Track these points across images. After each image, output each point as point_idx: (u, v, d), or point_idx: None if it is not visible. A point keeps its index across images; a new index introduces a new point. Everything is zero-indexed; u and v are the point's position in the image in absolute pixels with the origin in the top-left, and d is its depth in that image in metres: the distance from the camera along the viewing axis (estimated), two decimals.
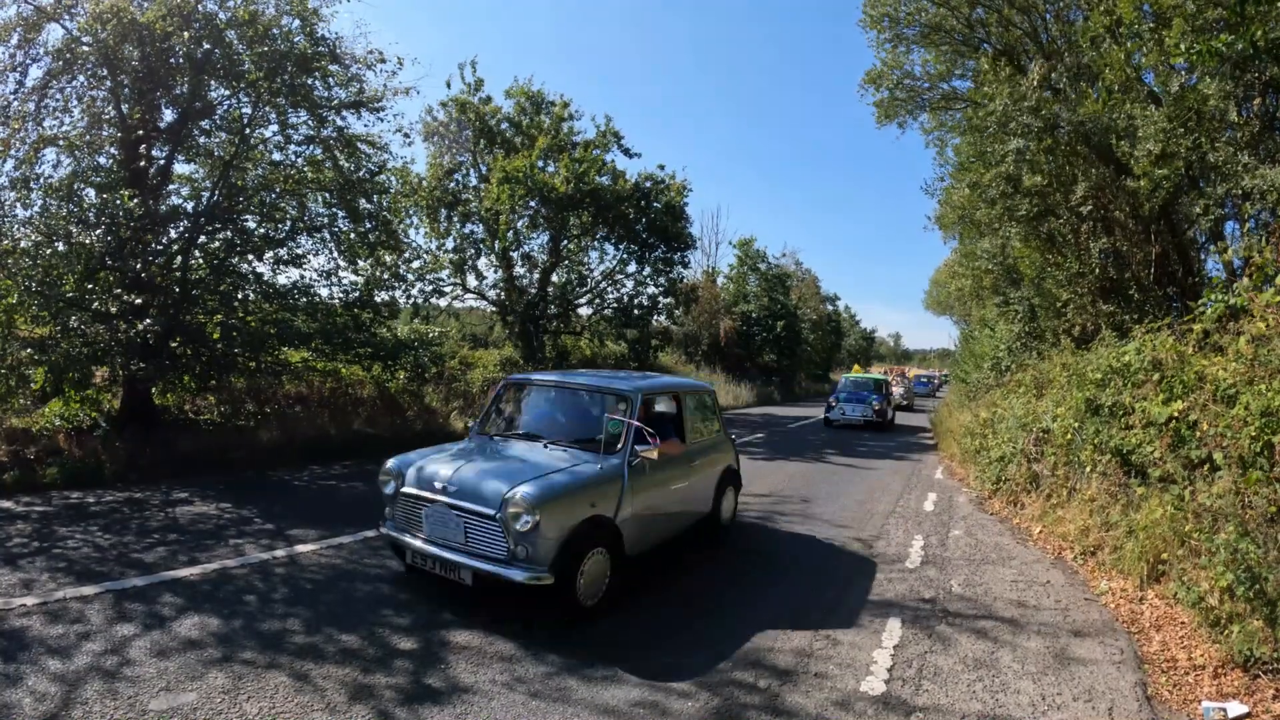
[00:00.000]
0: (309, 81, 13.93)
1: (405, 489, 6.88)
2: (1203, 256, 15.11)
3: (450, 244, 26.88)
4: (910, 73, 19.55)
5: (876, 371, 57.96)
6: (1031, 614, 7.43)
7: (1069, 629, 7.03)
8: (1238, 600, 6.08)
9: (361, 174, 15.34)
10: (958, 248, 28.03)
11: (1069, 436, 11.02)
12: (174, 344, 12.96)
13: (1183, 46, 9.09)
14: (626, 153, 27.68)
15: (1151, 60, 12.55)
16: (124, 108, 12.87)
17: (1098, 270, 14.88)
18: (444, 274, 25.71)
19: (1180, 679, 5.90)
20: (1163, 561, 7.76)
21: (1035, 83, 14.37)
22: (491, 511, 6.22)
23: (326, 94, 14.50)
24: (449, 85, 27.08)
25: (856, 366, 37.04)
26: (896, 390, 40.50)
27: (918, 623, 6.97)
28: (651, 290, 28.85)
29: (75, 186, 12.60)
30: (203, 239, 13.93)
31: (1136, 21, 12.19)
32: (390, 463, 7.20)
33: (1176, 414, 8.44)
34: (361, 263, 16.03)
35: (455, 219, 26.75)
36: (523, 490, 6.17)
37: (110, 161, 13.28)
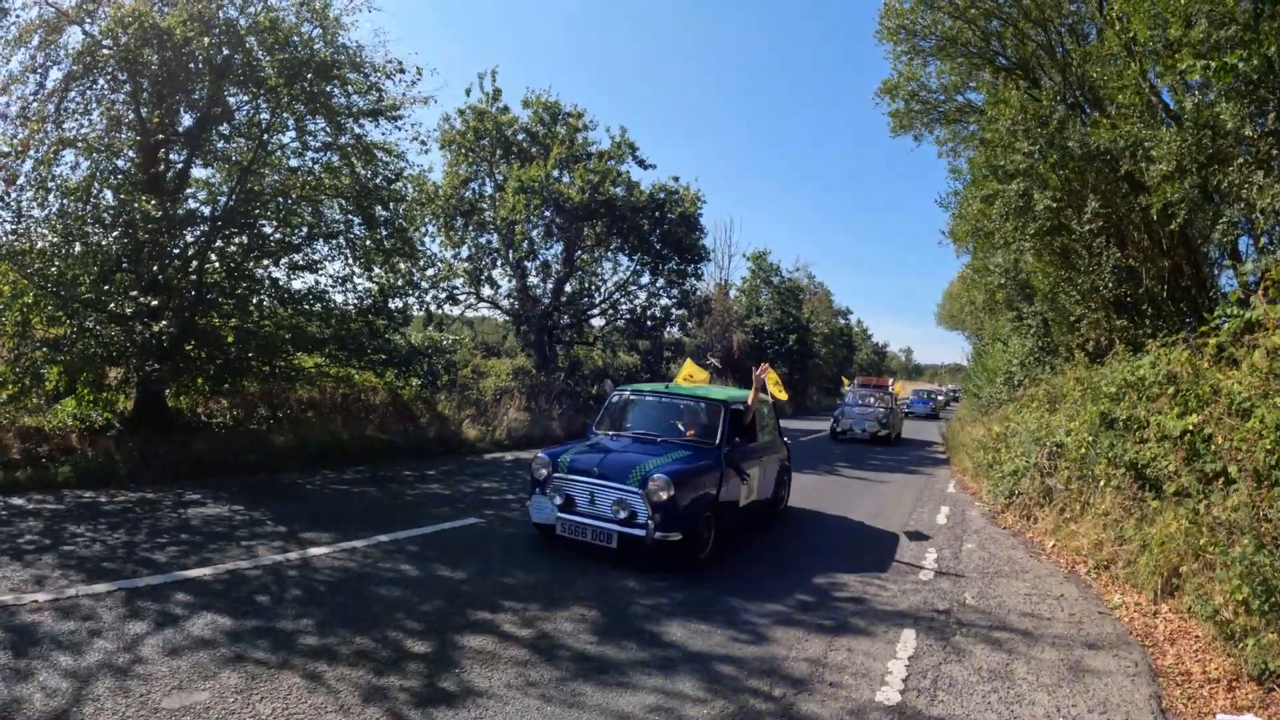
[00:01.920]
0: (328, 89, 13.99)
1: None
2: (1216, 272, 15.05)
3: (465, 252, 26.97)
4: (925, 84, 19.61)
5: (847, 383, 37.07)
6: (1045, 626, 7.40)
7: (1083, 642, 6.99)
8: (1253, 613, 6.04)
9: (378, 181, 15.38)
10: (970, 262, 27.95)
11: (1083, 450, 10.97)
12: (188, 347, 13.02)
13: (1198, 65, 9.07)
14: (641, 164, 27.70)
15: (1168, 80, 12.54)
16: (143, 111, 12.96)
17: (1111, 285, 14.84)
18: (458, 282, 25.79)
19: (1195, 692, 5.86)
20: (1177, 575, 7.72)
21: (1049, 98, 14.36)
22: None
23: (345, 101, 14.55)
24: (468, 93, 27.18)
25: (689, 368, 13.49)
26: (869, 411, 28.19)
27: (932, 634, 6.93)
28: (664, 301, 28.91)
29: (93, 188, 12.68)
30: (219, 243, 13.98)
31: (1152, 41, 12.18)
32: None
33: (1191, 427, 8.40)
34: (376, 269, 16.06)
35: (470, 228, 26.83)
36: None
37: (128, 164, 13.36)
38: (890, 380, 34.32)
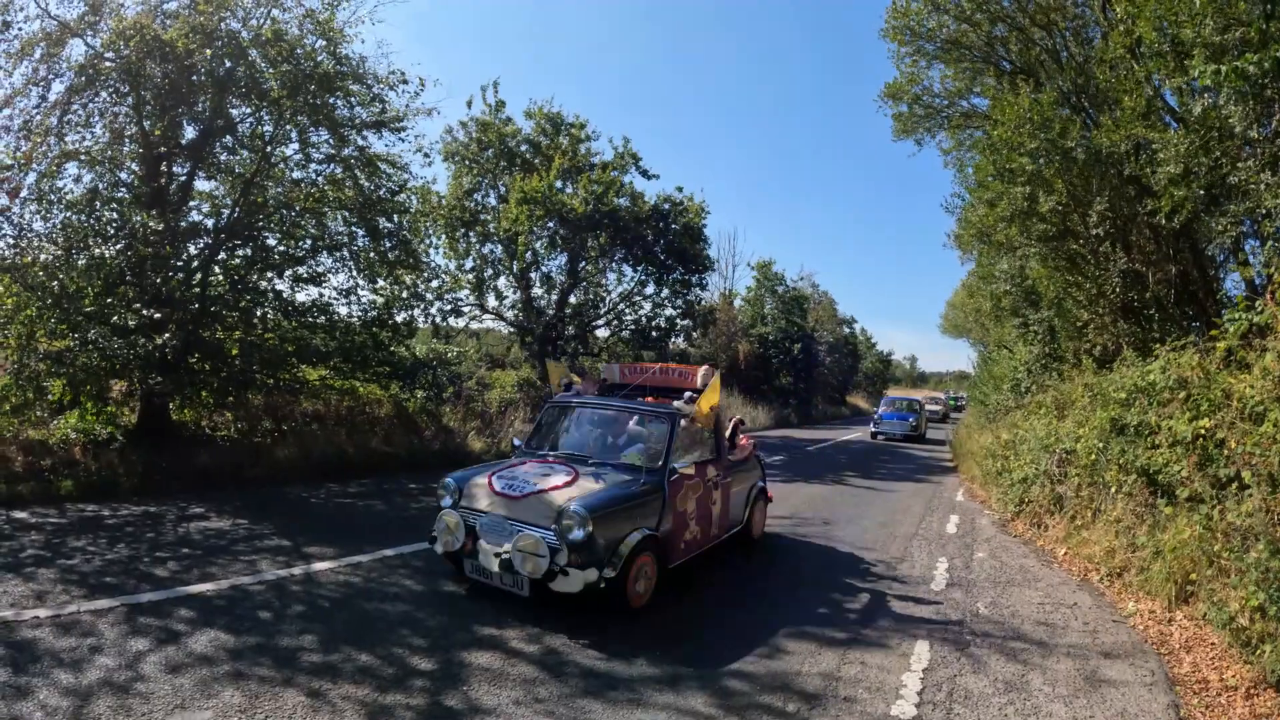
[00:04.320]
0: (331, 101, 13.97)
1: None
2: (1222, 276, 14.96)
3: (469, 264, 26.90)
4: (929, 88, 19.56)
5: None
6: (1060, 636, 7.30)
7: (1099, 651, 6.89)
8: (1270, 619, 5.96)
9: (382, 193, 15.35)
10: (975, 269, 27.81)
11: (1093, 457, 10.88)
12: (192, 359, 12.95)
13: (1208, 69, 9.01)
14: (644, 174, 27.61)
15: (1175, 83, 12.47)
16: (146, 124, 12.93)
17: (1118, 290, 14.75)
18: (463, 294, 25.75)
19: (1213, 700, 5.76)
20: (1191, 582, 7.63)
21: (1051, 101, 14.28)
22: None
23: (348, 113, 14.53)
24: (469, 105, 27.16)
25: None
26: (530, 499, 7.02)
27: (946, 645, 6.84)
28: (669, 312, 28.72)
29: (96, 202, 12.64)
30: (222, 255, 13.96)
31: (1157, 43, 12.12)
32: None
33: (1203, 432, 8.31)
34: (380, 281, 16.01)
35: (474, 239, 26.77)
36: None
37: (131, 177, 13.33)
38: (697, 371, 9.73)
